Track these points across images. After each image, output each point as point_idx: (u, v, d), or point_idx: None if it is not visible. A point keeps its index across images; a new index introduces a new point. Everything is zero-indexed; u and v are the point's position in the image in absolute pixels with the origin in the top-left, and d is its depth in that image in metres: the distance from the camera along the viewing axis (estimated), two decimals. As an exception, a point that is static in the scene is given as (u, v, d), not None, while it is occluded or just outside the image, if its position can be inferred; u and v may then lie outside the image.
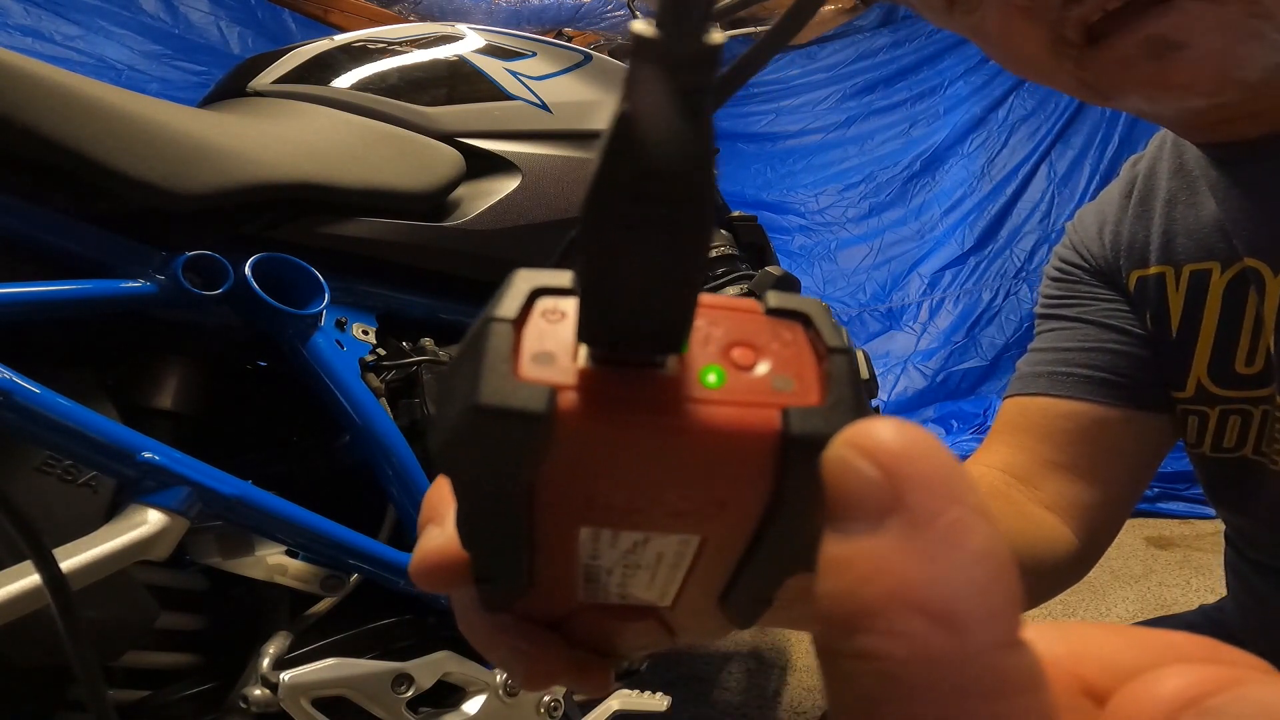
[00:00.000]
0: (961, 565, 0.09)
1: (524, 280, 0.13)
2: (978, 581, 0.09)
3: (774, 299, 0.13)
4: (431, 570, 0.17)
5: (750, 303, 0.13)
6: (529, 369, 0.12)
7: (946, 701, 0.09)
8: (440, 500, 0.18)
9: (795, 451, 0.12)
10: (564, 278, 0.13)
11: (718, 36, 0.10)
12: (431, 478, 0.20)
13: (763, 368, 0.12)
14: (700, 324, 0.13)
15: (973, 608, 0.09)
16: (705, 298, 0.13)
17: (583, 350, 0.12)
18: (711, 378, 0.12)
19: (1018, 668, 0.09)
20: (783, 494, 0.12)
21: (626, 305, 0.11)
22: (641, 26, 0.10)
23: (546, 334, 0.12)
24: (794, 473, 0.12)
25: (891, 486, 0.10)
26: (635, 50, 0.10)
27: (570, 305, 0.13)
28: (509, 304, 0.12)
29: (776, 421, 0.12)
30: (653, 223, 0.10)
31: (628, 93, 0.10)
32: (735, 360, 0.12)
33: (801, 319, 0.13)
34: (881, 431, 0.10)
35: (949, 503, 0.10)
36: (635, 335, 0.12)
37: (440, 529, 0.17)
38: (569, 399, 0.11)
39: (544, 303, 0.13)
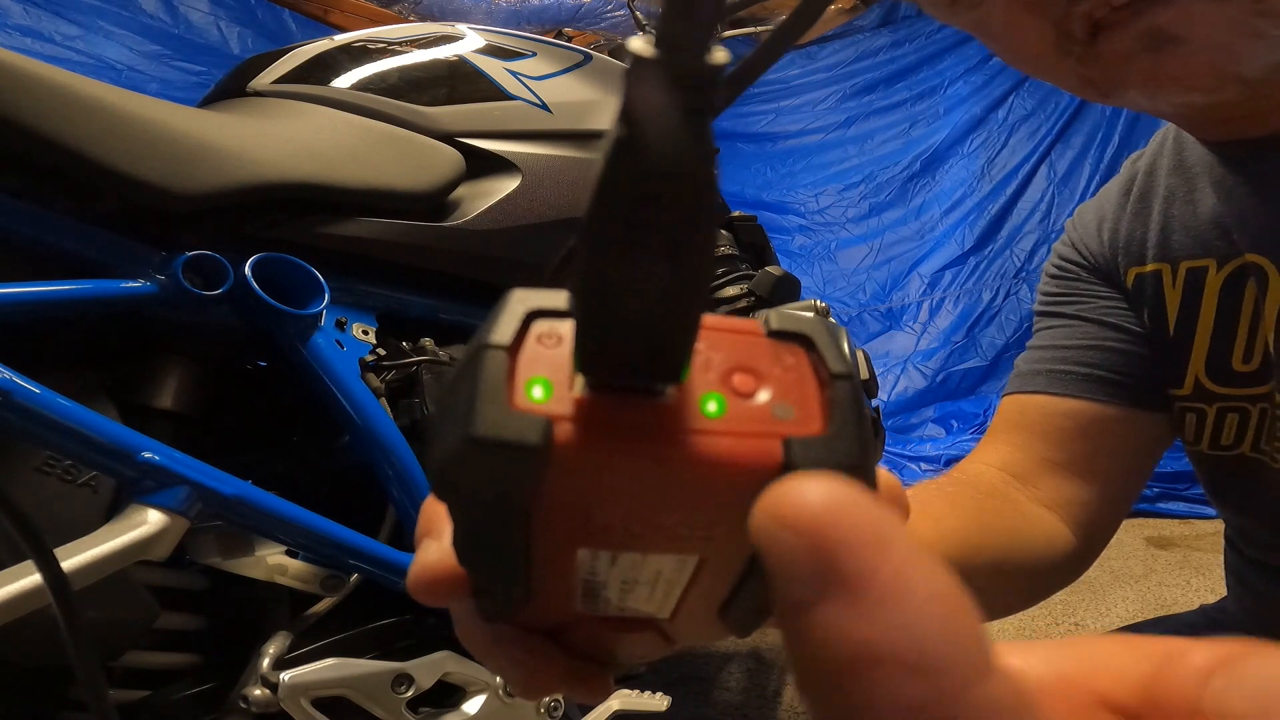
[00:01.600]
0: (914, 613, 0.09)
1: (519, 302, 0.12)
2: (935, 624, 0.09)
3: (776, 320, 0.13)
4: (430, 584, 0.17)
5: (751, 324, 0.13)
6: (524, 399, 0.11)
7: None
8: (437, 513, 0.18)
9: None
10: (559, 298, 0.13)
11: (720, 56, 0.09)
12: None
13: (764, 395, 0.12)
14: (701, 348, 0.12)
15: (939, 650, 0.09)
16: (706, 319, 0.12)
17: (579, 377, 0.12)
18: (712, 406, 0.12)
19: (1000, 696, 0.09)
20: None
21: (625, 336, 0.11)
22: (640, 45, 0.09)
23: (542, 360, 0.12)
24: None
25: (822, 555, 0.10)
26: (633, 70, 0.09)
27: (566, 329, 0.12)
28: (504, 329, 0.12)
29: (778, 453, 0.12)
30: (653, 251, 0.10)
31: (625, 115, 0.09)
32: (736, 387, 0.12)
33: (804, 341, 0.13)
34: (797, 497, 0.10)
35: (882, 556, 0.10)
36: (634, 366, 0.11)
37: (438, 543, 0.17)
38: (565, 430, 0.11)
39: (539, 326, 0.12)
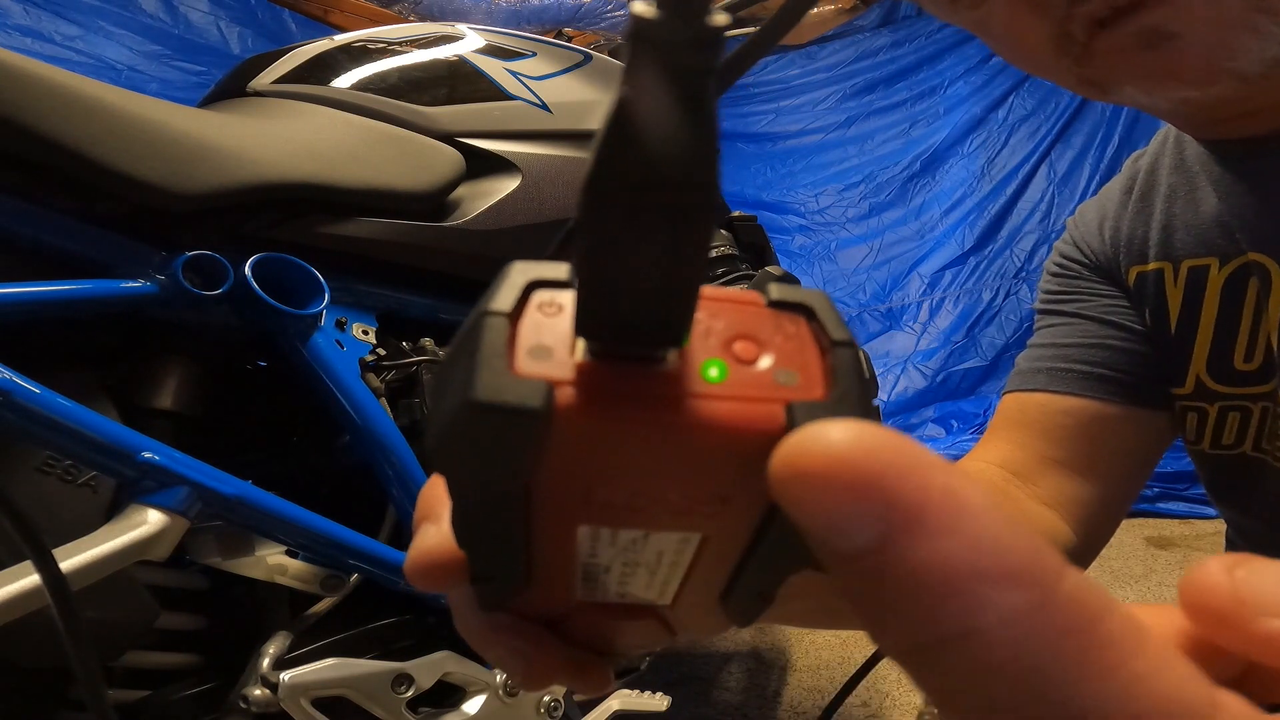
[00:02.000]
0: (982, 525, 0.09)
1: (519, 272, 0.12)
2: (1003, 530, 0.09)
3: (776, 291, 0.13)
4: (427, 569, 0.17)
5: (752, 295, 0.13)
6: (525, 364, 0.11)
7: (1059, 647, 0.09)
8: (435, 498, 0.18)
9: None
10: (561, 269, 0.13)
11: (721, 18, 0.09)
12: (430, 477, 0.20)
13: (765, 361, 0.12)
14: (701, 317, 0.12)
15: (1020, 554, 0.09)
16: (707, 290, 0.12)
17: (580, 344, 0.12)
18: (713, 372, 0.12)
19: (1087, 585, 0.09)
20: None
21: (626, 298, 0.11)
22: (641, 7, 0.09)
23: (543, 327, 0.12)
24: None
25: (873, 494, 0.09)
26: (634, 32, 0.09)
27: (567, 298, 0.12)
28: (504, 297, 0.12)
29: (780, 417, 0.11)
30: (654, 214, 0.10)
31: (627, 77, 0.09)
32: (737, 354, 0.12)
33: (805, 311, 0.13)
34: (820, 444, 0.10)
35: (928, 476, 0.09)
36: (635, 329, 0.11)
37: (436, 527, 0.17)
38: (567, 394, 0.11)
39: (540, 295, 0.12)
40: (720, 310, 0.13)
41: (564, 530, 0.14)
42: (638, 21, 0.09)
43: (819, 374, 0.12)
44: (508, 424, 0.11)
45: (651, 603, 0.17)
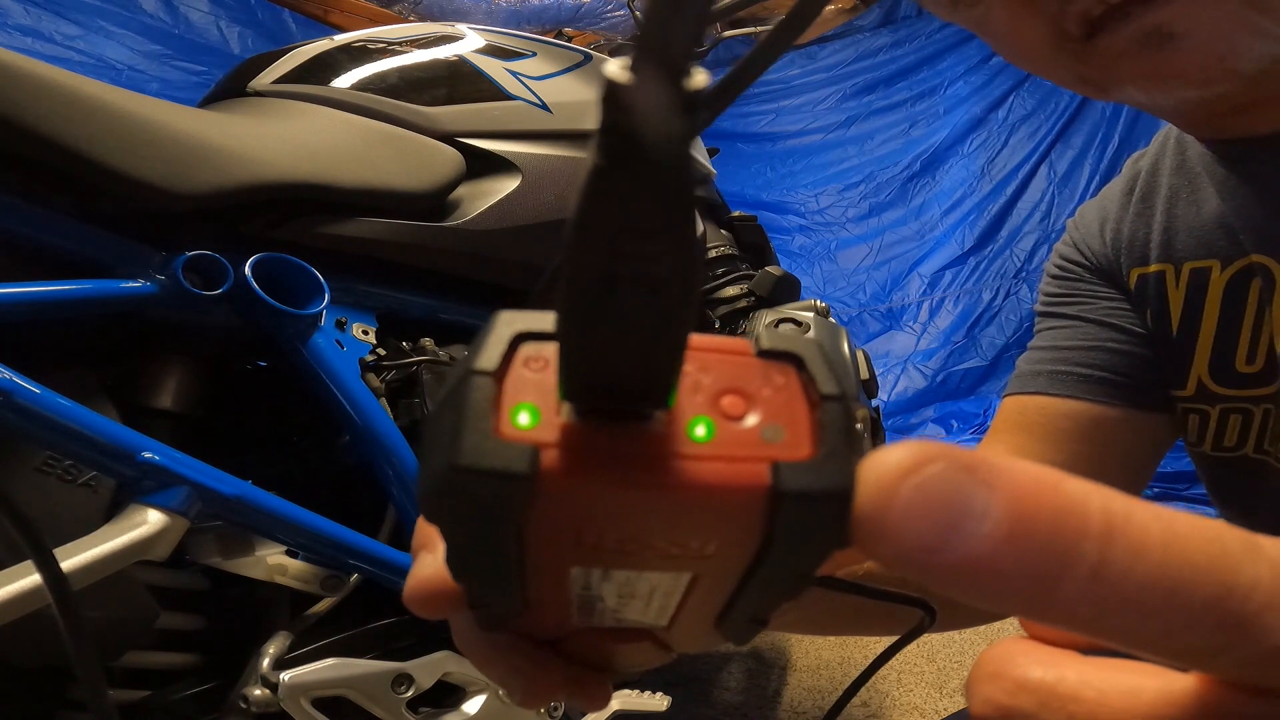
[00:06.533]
0: (1031, 474, 0.11)
1: (506, 325, 0.12)
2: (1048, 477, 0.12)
3: (766, 339, 0.13)
4: (426, 598, 0.17)
5: (741, 344, 0.13)
6: (510, 426, 0.11)
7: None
8: (432, 527, 0.18)
9: (786, 506, 0.11)
10: (547, 320, 0.12)
11: (700, 78, 0.09)
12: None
13: (753, 418, 0.12)
14: (689, 369, 0.12)
15: (1087, 495, 0.12)
16: (695, 339, 0.12)
17: (567, 402, 0.12)
18: (700, 430, 0.12)
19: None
20: (774, 541, 0.12)
21: (609, 364, 0.11)
22: (615, 70, 0.08)
23: (528, 385, 0.12)
24: (785, 525, 0.12)
25: (964, 485, 0.11)
26: (607, 97, 0.09)
27: (553, 352, 0.12)
28: (490, 353, 0.12)
29: (766, 477, 0.11)
30: (635, 280, 0.10)
31: (601, 145, 0.09)
32: (725, 410, 0.12)
33: (794, 360, 0.13)
34: (893, 463, 0.11)
35: (965, 454, 0.11)
36: (619, 392, 0.11)
37: (433, 556, 0.18)
38: (551, 457, 0.11)
39: (526, 349, 0.12)
40: (708, 362, 0.13)
41: (556, 571, 0.14)
42: (610, 85, 0.08)
43: (807, 430, 0.12)
44: (493, 487, 0.11)
45: (648, 626, 0.17)
